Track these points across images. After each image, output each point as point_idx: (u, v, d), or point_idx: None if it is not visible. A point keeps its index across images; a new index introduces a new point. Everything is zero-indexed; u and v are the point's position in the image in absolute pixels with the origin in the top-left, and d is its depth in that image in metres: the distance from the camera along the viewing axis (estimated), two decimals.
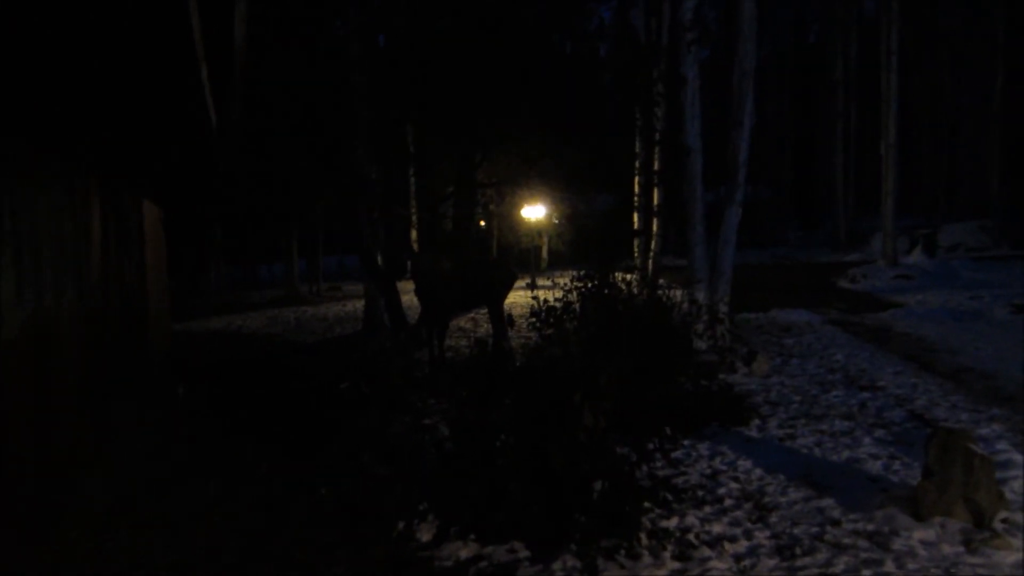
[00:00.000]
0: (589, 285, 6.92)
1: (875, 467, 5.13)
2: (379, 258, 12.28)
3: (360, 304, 15.55)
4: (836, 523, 4.17)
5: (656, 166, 16.82)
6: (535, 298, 7.15)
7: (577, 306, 6.91)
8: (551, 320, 6.93)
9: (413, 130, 15.86)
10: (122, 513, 4.76)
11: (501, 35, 13.05)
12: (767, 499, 4.54)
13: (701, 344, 8.36)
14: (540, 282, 19.64)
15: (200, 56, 2.92)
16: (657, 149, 16.84)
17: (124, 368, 7.46)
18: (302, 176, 10.72)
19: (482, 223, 23.77)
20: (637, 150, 17.55)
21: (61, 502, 4.69)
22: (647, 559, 3.68)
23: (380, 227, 12.28)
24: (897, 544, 3.89)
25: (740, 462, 5.23)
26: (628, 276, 8.00)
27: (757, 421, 6.29)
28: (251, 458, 5.86)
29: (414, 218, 18.23)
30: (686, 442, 5.72)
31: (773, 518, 4.24)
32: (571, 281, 7.19)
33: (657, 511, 4.24)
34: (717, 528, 4.08)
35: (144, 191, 8.97)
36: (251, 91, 9.58)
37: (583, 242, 21.84)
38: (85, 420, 5.64)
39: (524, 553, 3.81)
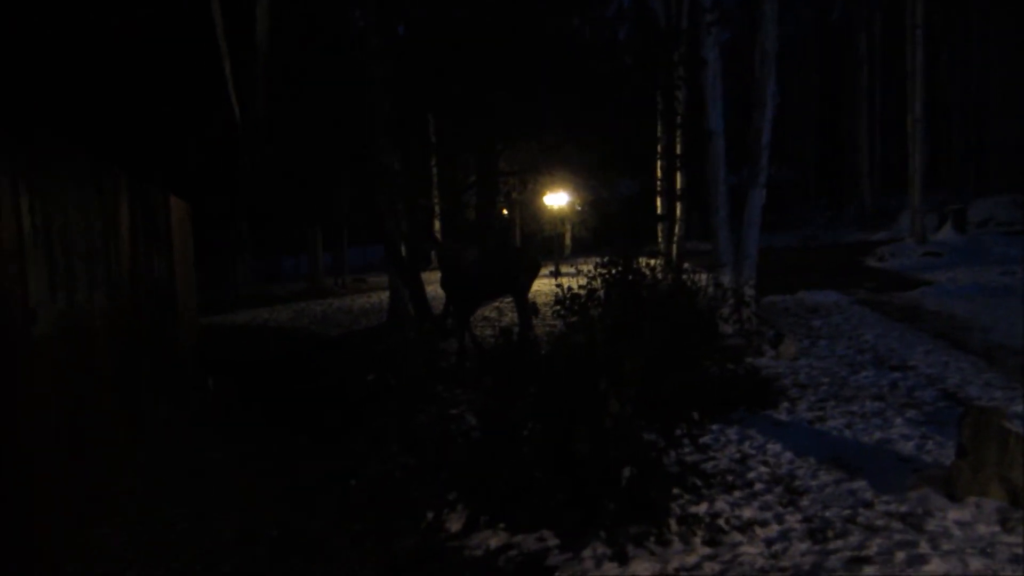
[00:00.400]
0: (613, 272, 6.89)
1: (907, 448, 5.07)
2: (403, 249, 12.31)
3: (385, 295, 15.63)
4: (868, 505, 4.13)
5: (678, 150, 16.65)
6: (559, 285, 7.13)
7: (601, 293, 6.88)
8: (575, 308, 6.91)
9: (434, 120, 15.86)
10: (155, 505, 4.85)
11: (518, 22, 12.97)
12: (797, 482, 4.50)
13: (727, 328, 8.30)
14: (564, 269, 19.59)
15: (223, 52, 2.94)
16: (679, 133, 16.67)
17: (155, 361, 7.58)
18: (324, 168, 10.77)
19: (504, 211, 23.74)
20: (659, 134, 17.39)
21: (96, 495, 4.79)
22: (677, 545, 3.67)
23: (403, 218, 12.31)
24: (931, 525, 3.84)
25: (769, 446, 5.19)
26: (652, 261, 7.96)
27: (786, 404, 6.23)
28: (281, 450, 5.93)
29: (437, 208, 18.26)
30: (714, 427, 5.69)
31: (804, 501, 4.21)
32: (595, 268, 7.16)
33: (686, 497, 4.23)
34: (747, 513, 4.06)
35: (172, 186, 9.09)
36: (272, 84, 9.65)
37: (606, 228, 21.73)
38: (118, 413, 5.75)
39: (553, 541, 3.82)
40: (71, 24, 2.50)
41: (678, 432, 4.98)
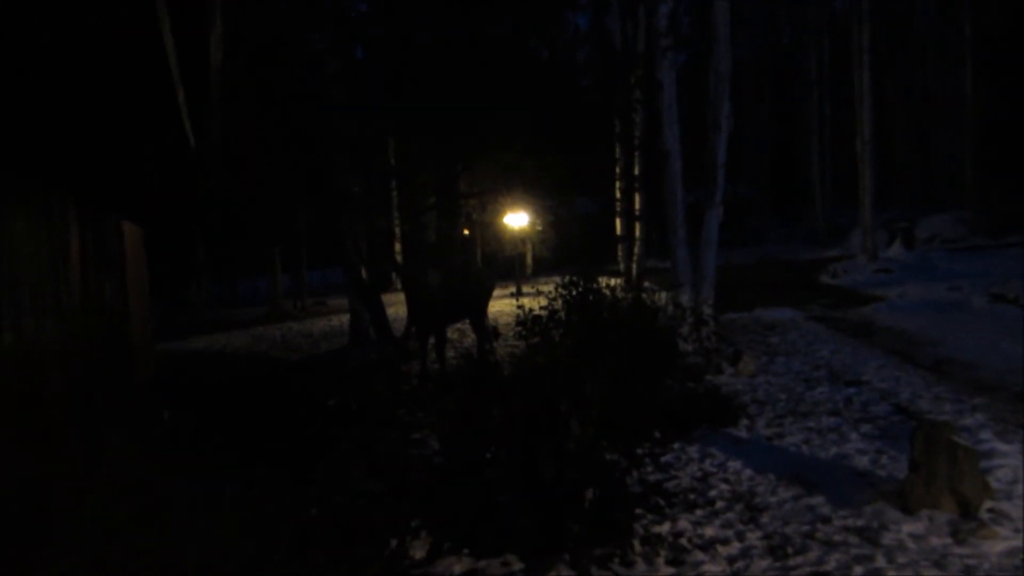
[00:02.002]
0: (573, 292, 6.95)
1: (863, 462, 5.18)
2: (363, 271, 12.25)
3: (345, 318, 15.49)
4: (826, 520, 4.21)
5: (636, 170, 16.91)
6: (520, 307, 7.16)
7: (562, 314, 6.93)
8: (537, 329, 6.95)
9: (393, 142, 15.87)
10: (107, 543, 4.70)
11: (477, 44, 13.11)
12: (758, 499, 4.57)
13: (687, 346, 8.41)
14: (525, 289, 19.67)
15: (176, 80, 2.91)
16: (637, 153, 16.95)
17: (109, 394, 7.38)
18: (283, 192, 10.68)
19: (466, 232, 23.78)
20: (617, 155, 17.65)
21: (48, 535, 4.63)
22: (641, 566, 3.69)
23: (363, 240, 12.26)
24: (887, 539, 3.92)
25: (730, 463, 5.26)
26: (612, 281, 8.05)
27: (745, 421, 6.33)
28: (240, 481, 5.81)
29: (397, 230, 18.23)
30: (676, 445, 5.74)
31: (764, 518, 4.27)
32: (555, 288, 7.21)
33: (650, 517, 4.26)
34: (709, 531, 4.10)
35: (124, 212, 8.90)
36: (228, 108, 9.56)
37: (566, 248, 21.92)
38: (70, 447, 5.58)
39: (518, 565, 3.81)
40: (16, 58, 2.45)
41: (640, 452, 5.02)
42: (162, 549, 4.53)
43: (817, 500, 4.49)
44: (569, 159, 15.21)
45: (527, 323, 6.82)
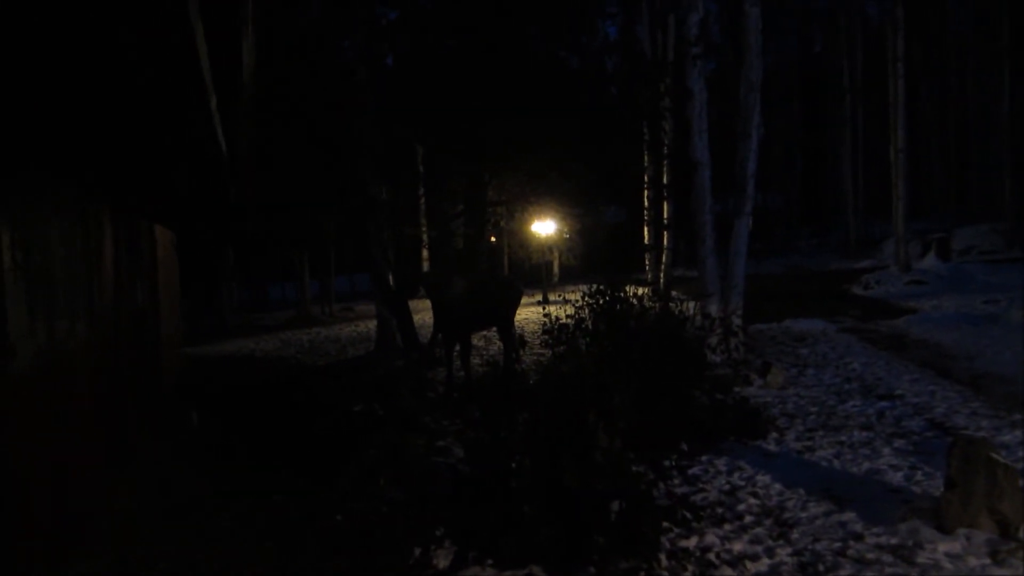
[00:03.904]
0: (600, 301, 6.89)
1: (896, 478, 5.06)
2: (390, 278, 12.29)
3: (373, 324, 15.55)
4: (859, 537, 4.11)
5: (665, 180, 16.81)
6: (547, 315, 7.12)
7: (589, 323, 6.87)
8: (564, 338, 6.90)
9: (422, 150, 15.94)
10: (136, 544, 4.74)
11: (507, 53, 13.13)
12: (787, 515, 4.48)
13: (715, 357, 8.30)
14: (552, 297, 19.60)
15: (209, 87, 2.93)
16: (665, 163, 16.84)
17: (138, 395, 7.47)
18: (310, 198, 10.77)
19: (493, 239, 23.80)
20: (646, 164, 17.55)
21: (77, 533, 4.68)
22: None
23: (390, 247, 12.30)
24: (922, 558, 3.82)
25: (759, 477, 5.17)
26: (640, 290, 7.97)
27: (774, 434, 6.22)
28: (266, 485, 5.83)
29: (425, 237, 18.27)
30: (703, 458, 5.66)
31: (794, 534, 4.18)
32: (582, 297, 7.16)
33: (676, 530, 4.19)
34: (738, 546, 4.02)
35: (156, 216, 9.04)
36: (258, 115, 9.67)
37: (594, 256, 21.82)
38: (100, 448, 5.65)
39: None
40: (57, 66, 2.49)
41: (667, 464, 4.95)
42: (186, 551, 4.56)
43: (849, 516, 4.39)
44: (596, 168, 15.16)
45: (553, 331, 6.78)
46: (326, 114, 10.32)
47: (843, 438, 6.11)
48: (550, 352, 6.75)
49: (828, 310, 15.24)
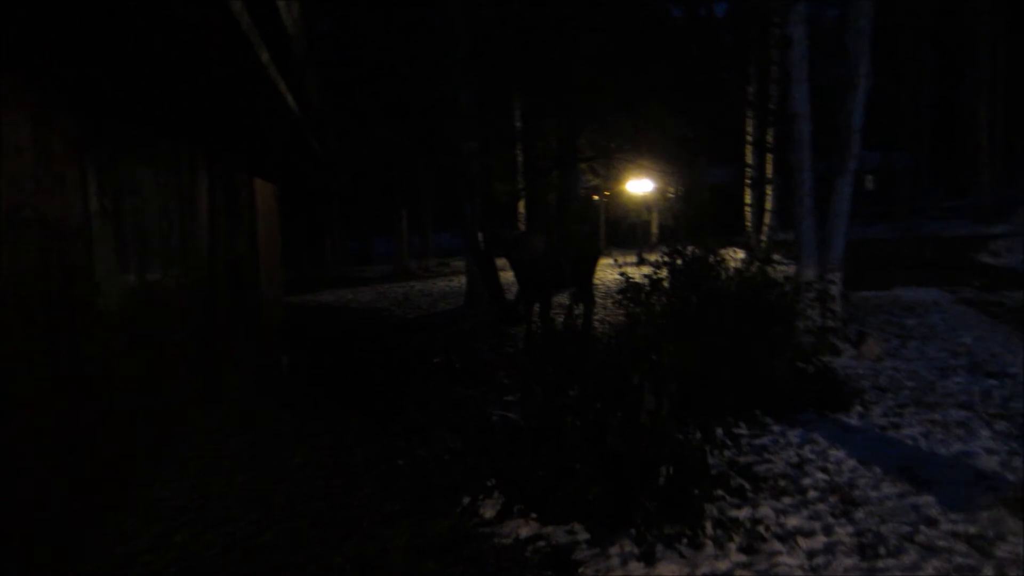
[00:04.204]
0: (678, 261, 6.64)
1: (989, 463, 4.67)
2: (479, 235, 12.36)
3: (465, 279, 15.79)
4: (932, 522, 3.83)
5: (770, 137, 15.99)
6: (622, 275, 6.95)
7: (666, 283, 6.65)
8: (640, 297, 6.72)
9: (519, 106, 15.81)
10: (215, 469, 5.06)
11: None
12: (856, 492, 4.23)
13: (807, 324, 7.88)
14: (648, 257, 19.22)
15: (256, 43, 2.98)
16: (771, 119, 15.99)
17: (232, 338, 7.90)
18: (400, 155, 10.91)
19: (596, 197, 23.50)
20: (749, 120, 16.75)
21: (164, 464, 5.04)
22: (710, 549, 3.51)
23: (479, 204, 12.34)
24: (1001, 551, 3.51)
25: (832, 451, 4.90)
26: (737, 252, 7.63)
27: (859, 408, 5.87)
28: (341, 427, 6.07)
29: (520, 193, 18.25)
30: (776, 428, 5.43)
31: (859, 513, 3.94)
32: (660, 257, 6.93)
33: (730, 500, 4.04)
34: (793, 521, 3.84)
35: (252, 168, 9.42)
36: (344, 72, 9.85)
37: (695, 217, 21.16)
38: (189, 381, 6.03)
39: (583, 536, 3.74)
40: (122, 25, 2.59)
41: (720, 431, 4.76)
42: (259, 483, 4.82)
43: (925, 500, 4.09)
44: (696, 122, 14.61)
45: (627, 292, 6.61)
46: (411, 68, 10.34)
47: (936, 416, 5.69)
48: (624, 313, 6.61)
49: (947, 278, 14.16)
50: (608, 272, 15.76)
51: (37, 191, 3.05)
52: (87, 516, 3.65)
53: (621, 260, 16.70)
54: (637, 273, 7.15)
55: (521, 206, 18.84)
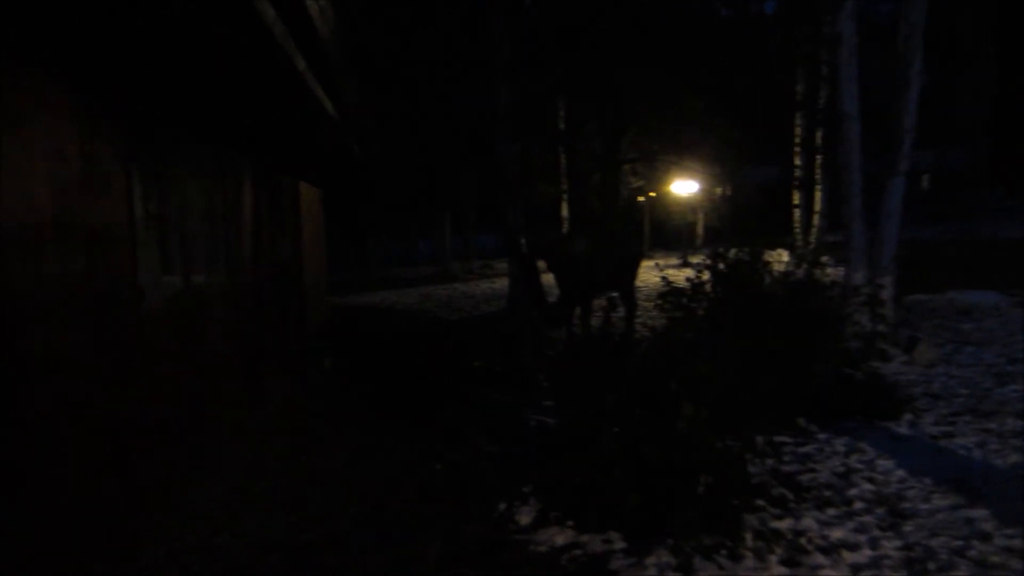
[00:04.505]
0: (721, 265, 6.52)
1: None
2: (521, 238, 12.35)
3: (507, 282, 15.81)
4: (986, 537, 3.67)
5: (819, 137, 15.63)
6: (663, 278, 6.85)
7: (708, 287, 6.54)
8: (682, 302, 6.61)
9: (563, 108, 15.78)
10: (257, 469, 5.14)
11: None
12: (905, 504, 4.08)
13: (855, 328, 7.66)
14: (693, 260, 18.96)
15: (291, 50, 3.01)
16: (820, 118, 15.62)
17: (276, 340, 8.02)
18: (441, 158, 10.96)
19: (640, 199, 23.30)
20: (797, 120, 16.40)
21: (206, 465, 5.14)
22: (750, 561, 3.42)
23: (520, 207, 12.34)
24: None
25: (880, 461, 4.75)
26: (783, 255, 7.47)
27: (909, 416, 5.67)
28: (380, 429, 6.12)
29: (564, 195, 18.18)
30: (821, 436, 5.28)
31: (908, 526, 3.80)
32: (703, 260, 6.82)
33: (772, 511, 3.94)
34: (837, 533, 3.72)
35: (297, 173, 9.57)
36: (387, 76, 9.93)
37: (742, 218, 20.80)
38: (233, 382, 6.13)
39: (620, 544, 3.68)
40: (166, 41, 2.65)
41: (761, 439, 4.65)
42: (300, 485, 4.88)
43: (979, 513, 3.93)
44: (743, 123, 14.38)
45: (667, 296, 6.51)
46: (454, 72, 10.40)
47: (992, 425, 5.47)
48: (665, 318, 6.52)
49: (1008, 281, 13.61)
50: (651, 275, 15.60)
51: (83, 198, 3.13)
52: (132, 518, 3.74)
53: (663, 263, 16.50)
54: (679, 276, 7.05)
55: (564, 208, 18.77)
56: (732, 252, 6.69)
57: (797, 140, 16.14)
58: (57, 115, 2.96)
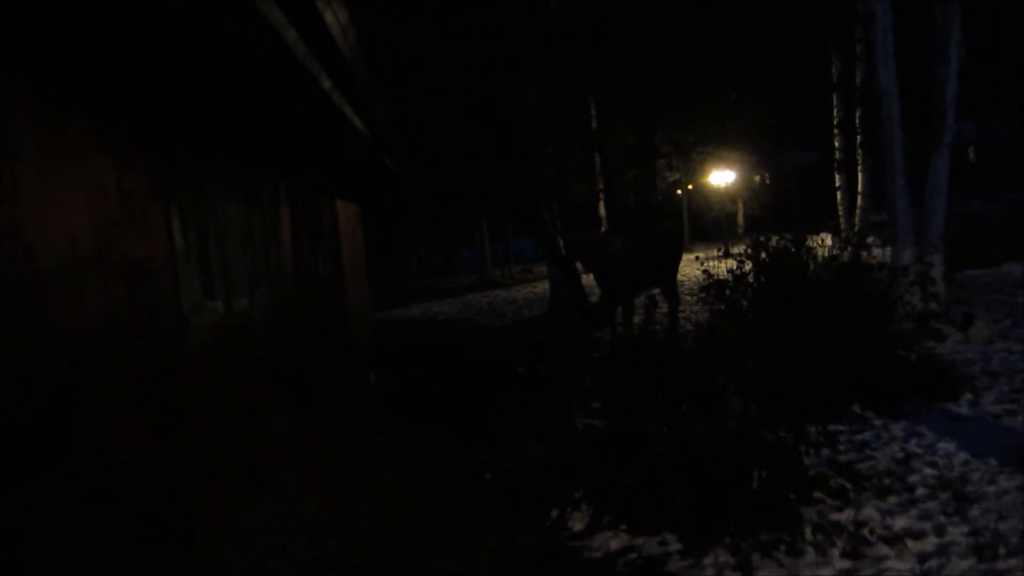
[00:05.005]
0: (763, 255, 6.38)
1: None
2: (559, 240, 12.31)
3: (548, 285, 15.77)
4: None
5: (858, 117, 15.28)
6: (705, 272, 6.75)
7: (751, 277, 6.41)
8: (725, 294, 6.51)
9: (594, 107, 15.68)
10: (309, 490, 5.20)
11: None
12: (970, 488, 3.93)
13: (907, 309, 7.45)
14: (734, 250, 18.69)
15: (315, 71, 3.05)
16: (859, 97, 15.26)
17: (322, 358, 8.11)
18: (475, 166, 10.99)
19: (679, 192, 23.05)
20: (835, 101, 16.06)
21: (262, 481, 5.22)
22: (811, 556, 3.33)
23: (555, 208, 12.29)
24: None
25: (941, 444, 4.59)
26: (825, 239, 7.28)
27: (968, 395, 5.48)
28: (428, 441, 6.14)
29: (600, 194, 18.08)
30: (877, 422, 5.13)
31: (974, 511, 3.66)
32: (745, 249, 6.69)
33: (830, 502, 3.83)
34: (901, 522, 3.60)
35: (333, 191, 9.70)
36: (415, 86, 10.00)
37: (782, 204, 20.42)
38: (281, 402, 6.21)
39: (675, 546, 3.62)
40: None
41: (830, 428, 4.53)
42: (350, 503, 4.91)
43: None
44: (777, 108, 14.13)
45: (709, 289, 6.41)
46: (489, 77, 10.39)
47: None
48: (708, 311, 6.42)
49: None
50: (693, 268, 15.40)
51: (122, 231, 3.21)
52: (186, 547, 3.79)
53: (704, 255, 16.29)
54: (721, 268, 6.94)
55: (601, 207, 18.67)
56: (773, 240, 6.56)
57: (836, 121, 15.80)
58: (92, 150, 3.02)
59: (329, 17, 2.60)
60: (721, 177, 18.22)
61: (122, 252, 3.18)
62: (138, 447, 3.27)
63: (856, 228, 14.11)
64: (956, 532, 3.46)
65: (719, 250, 19.24)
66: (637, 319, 8.99)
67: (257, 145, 5.12)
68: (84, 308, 2.78)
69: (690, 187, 22.38)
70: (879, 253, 8.68)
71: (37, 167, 2.53)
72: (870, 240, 9.46)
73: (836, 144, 16.28)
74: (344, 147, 5.24)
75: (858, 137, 15.55)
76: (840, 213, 16.29)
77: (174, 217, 4.19)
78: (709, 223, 22.89)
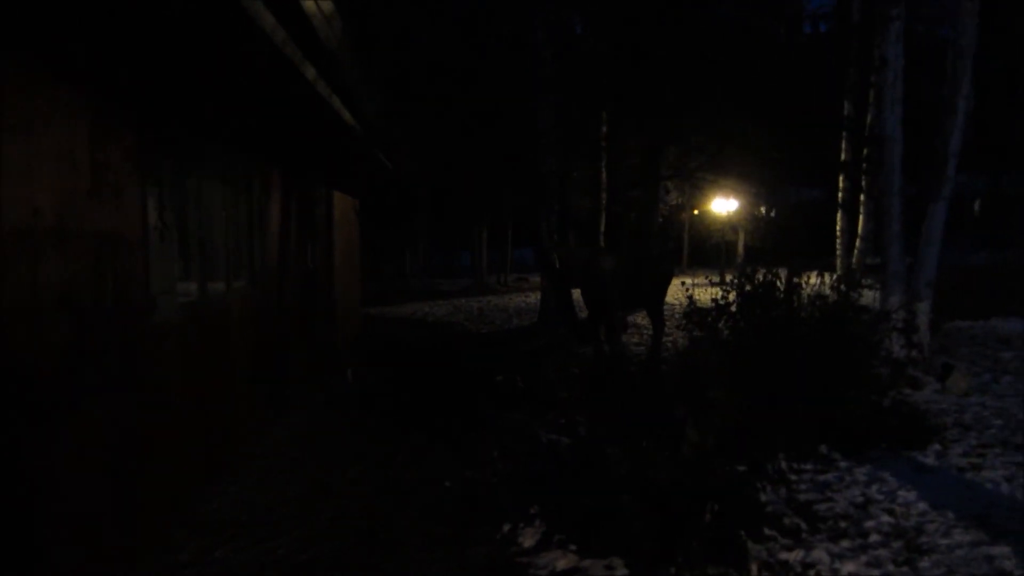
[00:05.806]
0: (747, 286, 6.36)
1: None
2: (554, 254, 12.31)
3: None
4: None
5: (864, 160, 15.33)
6: (689, 297, 6.72)
7: (734, 308, 6.39)
8: (707, 321, 6.48)
9: (606, 124, 15.72)
10: (269, 481, 5.16)
11: (695, 18, 12.57)
12: (923, 539, 3.90)
13: (887, 355, 7.42)
14: (729, 278, 18.69)
15: (297, 59, 3.04)
16: (866, 139, 15.32)
17: (301, 350, 8.07)
18: (478, 172, 10.99)
19: (683, 216, 23.07)
20: (843, 143, 16.12)
21: (228, 464, 5.18)
22: None
23: (555, 220, 12.29)
24: None
25: (901, 492, 4.56)
26: (814, 278, 7.25)
27: (937, 446, 5.44)
28: (395, 444, 6.10)
29: (603, 209, 18.10)
30: (843, 463, 5.10)
31: (924, 562, 3.63)
32: (731, 279, 6.67)
33: (782, 540, 3.80)
34: (849, 567, 3.57)
35: (330, 183, 9.67)
36: (423, 89, 10.02)
37: (784, 238, 20.42)
38: (250, 391, 6.16)
39: (622, 571, 3.58)
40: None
41: (771, 467, 4.49)
42: (308, 499, 4.87)
43: (1001, 551, 3.73)
44: (785, 143, 14.17)
45: (691, 316, 6.39)
46: (501, 87, 10.42)
47: None
48: (687, 338, 6.39)
49: None
50: (681, 293, 15.40)
51: (91, 203, 3.18)
52: (135, 529, 3.75)
53: (691, 281, 16.29)
54: (707, 295, 6.92)
55: (603, 223, 18.69)
56: (760, 273, 6.53)
57: (842, 161, 15.85)
58: (65, 118, 2.99)
59: (309, 5, 2.59)
60: (724, 205, 18.24)
61: (88, 225, 3.15)
62: (88, 426, 3.23)
63: (854, 269, 14.09)
64: None
65: (706, 277, 19.25)
66: (625, 338, 8.97)
67: (246, 132, 5.10)
68: (37, 280, 2.74)
69: (695, 212, 22.40)
70: (871, 296, 8.66)
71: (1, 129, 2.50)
72: (866, 282, 9.42)
73: (840, 184, 16.32)
74: (334, 139, 5.23)
75: (863, 179, 15.59)
76: (839, 252, 16.31)
77: (151, 195, 4.15)
78: (709, 250, 22.89)
